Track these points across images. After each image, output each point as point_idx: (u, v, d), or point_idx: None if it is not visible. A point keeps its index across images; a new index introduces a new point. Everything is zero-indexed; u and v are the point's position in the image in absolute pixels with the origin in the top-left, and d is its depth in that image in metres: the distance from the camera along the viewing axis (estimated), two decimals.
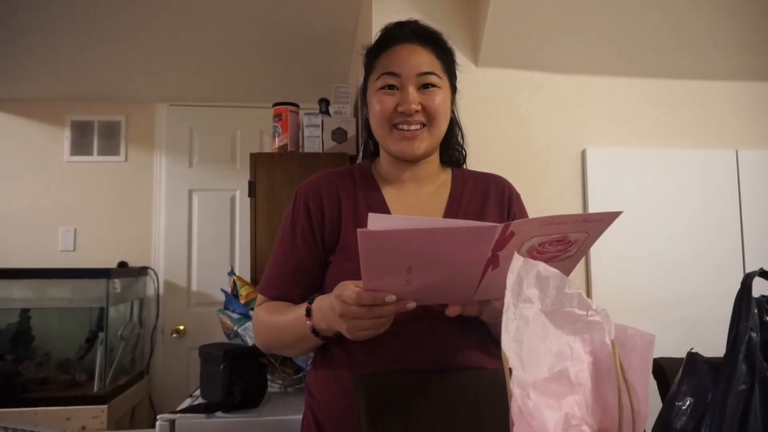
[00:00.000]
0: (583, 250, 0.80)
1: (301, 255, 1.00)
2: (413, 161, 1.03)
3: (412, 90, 0.97)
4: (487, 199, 1.06)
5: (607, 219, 0.74)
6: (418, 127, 0.98)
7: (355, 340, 0.82)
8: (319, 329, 0.90)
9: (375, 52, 1.02)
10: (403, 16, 1.09)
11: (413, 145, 0.98)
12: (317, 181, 1.05)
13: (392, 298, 0.76)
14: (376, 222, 0.67)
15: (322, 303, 0.88)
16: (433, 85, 0.98)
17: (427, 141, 1.00)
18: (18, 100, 3.28)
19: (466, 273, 0.76)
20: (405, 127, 0.97)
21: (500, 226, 0.69)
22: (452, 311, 0.86)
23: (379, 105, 0.98)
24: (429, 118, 0.98)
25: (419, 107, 0.97)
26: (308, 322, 0.90)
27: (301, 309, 0.92)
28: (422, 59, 0.98)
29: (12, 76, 2.97)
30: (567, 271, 0.82)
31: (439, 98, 0.98)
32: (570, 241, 0.76)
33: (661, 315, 1.82)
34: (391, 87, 0.97)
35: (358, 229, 0.67)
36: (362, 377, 0.87)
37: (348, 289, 0.79)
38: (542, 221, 0.71)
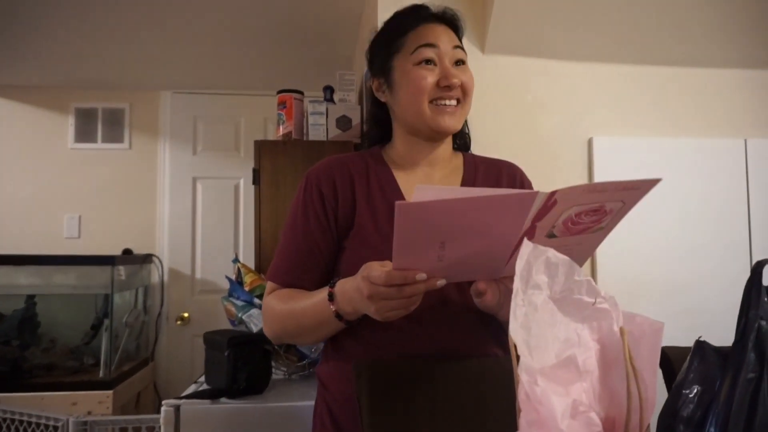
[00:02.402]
0: (615, 222, 0.80)
1: (315, 239, 0.99)
2: (444, 136, 1.03)
3: (449, 65, 0.98)
4: (500, 184, 1.06)
5: (644, 186, 0.74)
6: (455, 102, 0.99)
7: (384, 321, 0.81)
8: (343, 313, 0.88)
9: (400, 30, 1.01)
10: (410, 2, 1.07)
11: (453, 119, 0.99)
12: (329, 165, 1.04)
13: (423, 276, 0.75)
14: (422, 194, 0.67)
15: (345, 286, 0.86)
16: (464, 62, 1.00)
17: (461, 117, 1.02)
18: (22, 87, 3.28)
19: (500, 245, 0.76)
20: (447, 102, 0.98)
21: (543, 193, 0.69)
22: (480, 287, 0.86)
23: (418, 80, 0.97)
24: (464, 93, 0.99)
25: (459, 81, 0.97)
26: (332, 307, 0.89)
27: (322, 293, 0.91)
28: (451, 35, 1.01)
29: (16, 63, 2.97)
30: (595, 244, 0.83)
31: (470, 74, 1.01)
32: (605, 211, 0.76)
33: (667, 304, 1.82)
34: (428, 62, 0.97)
35: (396, 202, 0.66)
36: (363, 364, 0.87)
37: (376, 269, 0.77)
38: (585, 189, 0.71)
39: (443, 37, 0.99)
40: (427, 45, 0.97)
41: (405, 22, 1.01)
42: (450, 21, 1.02)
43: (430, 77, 0.97)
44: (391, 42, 1.01)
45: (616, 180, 0.72)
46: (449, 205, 0.68)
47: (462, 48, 1.01)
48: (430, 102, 0.98)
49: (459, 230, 0.71)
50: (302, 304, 0.95)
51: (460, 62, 1.00)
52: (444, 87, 0.96)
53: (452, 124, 0.99)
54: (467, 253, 0.75)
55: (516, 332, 0.55)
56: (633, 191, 0.74)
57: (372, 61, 1.07)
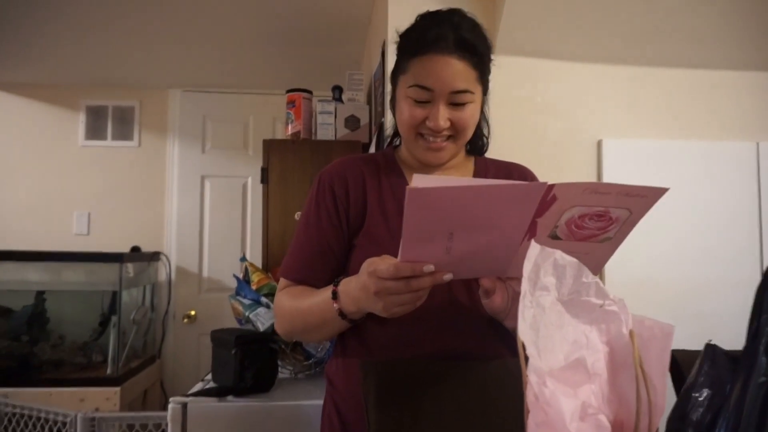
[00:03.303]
0: (623, 233, 0.78)
1: (326, 237, 1.00)
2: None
3: (442, 108, 0.93)
4: None
5: (651, 195, 0.72)
6: (444, 139, 0.96)
7: (390, 317, 0.81)
8: (347, 312, 0.89)
9: (409, 51, 0.95)
10: (420, 4, 1.06)
11: (438, 155, 0.98)
12: (342, 165, 1.04)
13: (431, 267, 0.74)
14: (421, 182, 0.66)
15: (349, 285, 0.86)
16: (464, 103, 0.94)
17: (452, 151, 0.99)
18: (33, 85, 3.30)
19: (507, 239, 0.75)
20: (432, 139, 0.96)
21: (546, 184, 0.68)
22: (486, 284, 0.85)
23: (407, 113, 0.95)
24: (456, 132, 0.96)
25: (448, 124, 0.94)
26: (335, 305, 0.89)
27: (327, 292, 0.91)
28: (457, 74, 0.92)
29: (27, 61, 2.99)
30: (604, 256, 0.82)
31: (469, 113, 0.95)
32: (611, 218, 0.75)
33: (676, 307, 1.80)
34: (420, 101, 0.94)
35: (408, 187, 0.65)
36: (370, 364, 0.87)
37: (383, 263, 0.77)
38: (586, 187, 0.70)
39: (444, 76, 0.91)
40: (421, 87, 0.92)
41: (416, 42, 0.94)
42: (466, 49, 0.92)
43: (419, 114, 0.94)
44: (401, 57, 0.99)
45: (620, 183, 0.71)
46: (460, 192, 0.68)
47: (466, 90, 0.93)
48: (419, 134, 0.97)
49: (467, 220, 0.71)
50: (308, 302, 0.96)
51: (458, 103, 0.94)
52: (430, 127, 0.94)
53: (437, 159, 0.98)
54: (474, 246, 0.75)
55: (524, 333, 0.55)
56: (639, 199, 0.73)
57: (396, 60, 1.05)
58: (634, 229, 0.79)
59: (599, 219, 0.75)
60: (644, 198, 0.73)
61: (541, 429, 0.51)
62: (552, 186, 0.69)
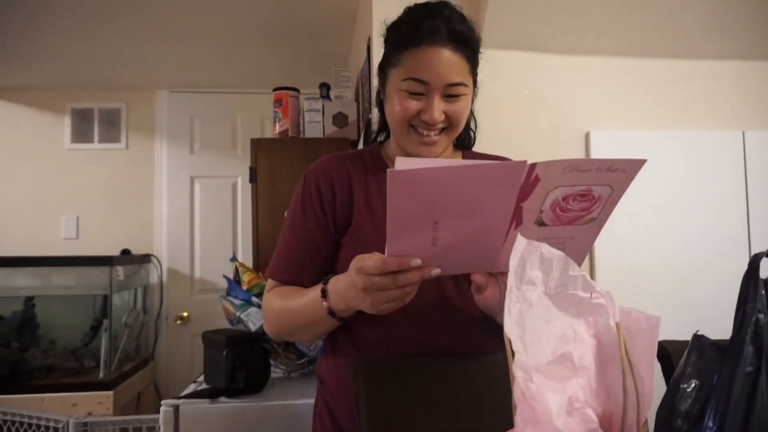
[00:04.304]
0: (606, 212, 0.79)
1: (313, 236, 0.99)
2: None
3: (437, 100, 0.92)
4: None
5: (631, 169, 0.73)
6: (437, 132, 0.95)
7: (379, 314, 0.81)
8: (336, 310, 0.88)
9: (401, 44, 0.93)
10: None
11: (431, 149, 0.97)
12: (327, 163, 1.03)
13: (418, 261, 0.74)
14: (402, 165, 0.66)
15: (338, 282, 0.86)
16: (458, 95, 0.93)
17: (445, 144, 0.98)
18: (18, 89, 3.27)
19: (492, 228, 0.75)
20: (425, 132, 0.95)
21: (527, 164, 0.68)
22: (477, 279, 0.84)
23: (400, 106, 0.94)
24: (450, 124, 0.96)
25: (443, 117, 0.94)
26: (324, 304, 0.89)
27: (316, 291, 0.90)
28: (452, 66, 0.91)
29: (12, 65, 2.95)
30: (590, 239, 0.82)
31: (463, 105, 0.95)
32: (594, 197, 0.75)
33: (665, 298, 1.81)
34: (415, 93, 0.92)
35: (389, 170, 0.65)
36: (360, 362, 0.87)
37: (370, 259, 0.77)
38: (567, 165, 0.70)
39: (439, 68, 0.90)
40: (416, 80, 0.91)
41: (409, 34, 0.93)
42: (459, 41, 0.92)
43: (413, 107, 0.93)
44: (391, 50, 0.97)
45: (599, 158, 0.71)
46: (441, 173, 0.67)
47: (461, 83, 0.92)
48: (412, 127, 0.95)
49: (451, 204, 0.70)
50: (297, 302, 0.95)
51: (452, 95, 0.93)
52: (424, 120, 0.93)
53: (429, 153, 0.97)
54: (460, 235, 0.75)
55: (511, 329, 0.55)
56: (619, 174, 0.74)
57: (384, 53, 1.03)
58: (621, 216, 0.79)
59: (582, 199, 0.75)
60: (624, 172, 0.74)
61: (529, 425, 0.51)
62: (534, 165, 0.69)
